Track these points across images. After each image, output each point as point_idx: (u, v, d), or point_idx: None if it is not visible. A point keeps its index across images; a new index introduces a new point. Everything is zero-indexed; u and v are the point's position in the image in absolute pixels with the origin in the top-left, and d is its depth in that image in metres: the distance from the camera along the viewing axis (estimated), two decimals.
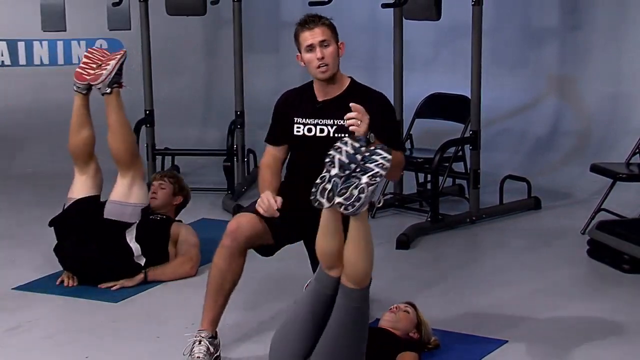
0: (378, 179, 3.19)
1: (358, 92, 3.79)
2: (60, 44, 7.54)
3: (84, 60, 4.72)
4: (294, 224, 3.78)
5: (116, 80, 4.66)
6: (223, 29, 7.65)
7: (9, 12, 7.53)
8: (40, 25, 6.33)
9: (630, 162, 5.60)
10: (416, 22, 5.91)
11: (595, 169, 5.56)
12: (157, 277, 4.64)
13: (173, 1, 6.42)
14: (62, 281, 4.61)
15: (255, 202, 3.96)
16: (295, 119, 3.84)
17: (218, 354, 3.70)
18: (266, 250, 3.87)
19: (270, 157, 3.94)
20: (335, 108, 3.74)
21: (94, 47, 4.94)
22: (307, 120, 3.82)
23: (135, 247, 4.59)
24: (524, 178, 6.14)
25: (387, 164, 3.20)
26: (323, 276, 3.38)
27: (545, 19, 7.11)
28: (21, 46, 7.52)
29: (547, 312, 4.28)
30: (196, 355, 3.63)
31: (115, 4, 6.33)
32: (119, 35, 7.27)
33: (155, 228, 4.79)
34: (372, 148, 3.23)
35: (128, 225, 4.61)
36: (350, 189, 3.18)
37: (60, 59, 7.63)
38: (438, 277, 4.81)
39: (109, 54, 4.76)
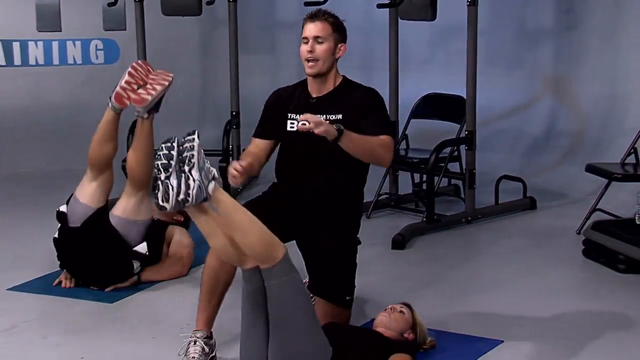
0: (193, 160, 3.18)
1: (349, 88, 3.82)
2: (55, 44, 7.53)
3: (127, 78, 4.36)
4: (286, 224, 3.77)
5: (156, 108, 4.44)
6: (218, 30, 7.65)
7: (4, 12, 7.52)
8: (36, 26, 6.32)
9: (625, 162, 5.60)
10: (411, 22, 5.91)
11: (591, 169, 5.56)
12: (150, 278, 4.64)
13: (168, 1, 6.42)
14: (59, 282, 4.60)
15: (248, 201, 3.96)
16: (289, 114, 3.84)
17: (214, 354, 3.70)
18: None
19: (254, 147, 3.89)
20: (327, 104, 3.79)
21: (138, 62, 4.54)
22: (301, 115, 3.80)
23: (136, 263, 4.57)
24: (519, 178, 6.15)
25: (195, 141, 3.22)
26: (245, 274, 3.36)
27: (540, 20, 7.12)
28: (16, 46, 7.50)
29: (543, 312, 4.28)
30: (191, 355, 3.62)
31: (110, 4, 6.33)
32: (115, 36, 7.27)
33: (152, 230, 4.80)
34: (181, 138, 3.24)
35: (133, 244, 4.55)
36: (182, 184, 3.16)
37: (56, 59, 7.61)
38: (433, 277, 4.81)
39: (153, 71, 4.48)
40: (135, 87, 4.37)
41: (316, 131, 3.41)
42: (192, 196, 3.16)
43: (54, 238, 4.62)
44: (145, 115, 4.43)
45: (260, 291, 3.31)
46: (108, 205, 4.59)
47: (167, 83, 4.41)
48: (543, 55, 7.12)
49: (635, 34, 6.43)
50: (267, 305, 3.30)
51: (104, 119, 4.49)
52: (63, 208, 4.59)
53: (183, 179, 3.16)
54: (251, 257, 3.30)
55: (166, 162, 3.18)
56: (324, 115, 3.74)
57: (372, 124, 3.68)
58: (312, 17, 3.78)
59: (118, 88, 4.39)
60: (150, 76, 4.45)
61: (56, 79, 7.60)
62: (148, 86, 4.38)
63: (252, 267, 3.31)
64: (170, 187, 3.15)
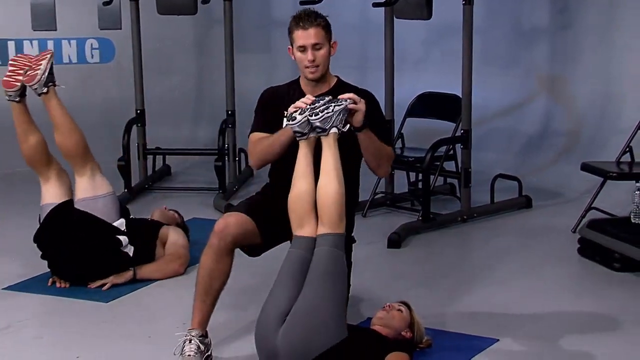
0: (344, 102, 3.49)
1: (345, 89, 3.80)
2: (50, 44, 7.51)
3: (10, 68, 4.62)
4: (282, 223, 3.77)
5: (50, 80, 4.61)
6: (214, 29, 7.65)
7: None
8: (31, 25, 6.31)
9: (621, 160, 5.61)
10: (407, 21, 5.92)
11: (586, 167, 5.57)
12: (146, 275, 4.64)
13: (164, 0, 6.41)
14: (54, 282, 4.60)
15: (245, 201, 3.96)
16: (285, 113, 3.81)
17: (209, 352, 3.70)
18: (253, 250, 3.84)
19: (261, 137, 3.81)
20: None
21: (17, 55, 4.87)
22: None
23: (123, 238, 4.58)
24: (515, 177, 6.15)
25: (348, 101, 3.50)
26: (297, 240, 3.48)
27: (535, 19, 7.13)
28: (11, 45, 7.49)
29: (538, 310, 4.29)
30: (187, 354, 3.63)
31: (106, 3, 6.31)
32: (110, 35, 7.27)
33: (146, 228, 4.81)
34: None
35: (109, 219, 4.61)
36: (320, 108, 3.49)
37: None
38: (429, 276, 4.82)
39: (33, 57, 4.68)
40: (21, 72, 4.60)
41: (357, 106, 3.53)
42: (320, 117, 3.45)
43: (40, 255, 4.63)
44: (45, 90, 4.61)
45: (304, 261, 3.43)
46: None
47: (48, 56, 4.63)
48: (538, 54, 7.12)
49: (630, 33, 6.44)
50: (305, 274, 3.40)
51: (14, 116, 4.70)
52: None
53: (324, 107, 3.47)
54: (319, 216, 3.43)
55: (312, 105, 3.51)
56: None
57: (380, 134, 3.72)
58: (304, 24, 3.70)
59: (3, 78, 4.63)
60: (32, 60, 4.66)
61: None
62: (33, 66, 4.60)
63: (307, 234, 3.44)
64: (308, 110, 3.47)
